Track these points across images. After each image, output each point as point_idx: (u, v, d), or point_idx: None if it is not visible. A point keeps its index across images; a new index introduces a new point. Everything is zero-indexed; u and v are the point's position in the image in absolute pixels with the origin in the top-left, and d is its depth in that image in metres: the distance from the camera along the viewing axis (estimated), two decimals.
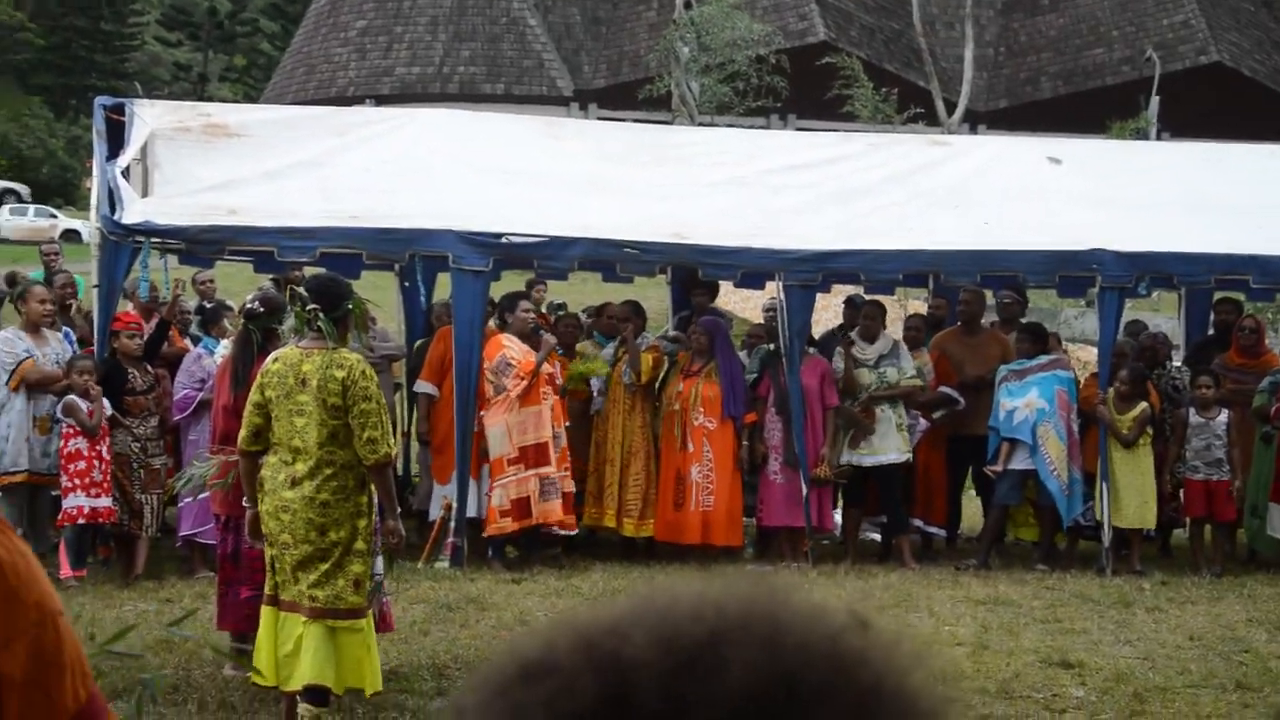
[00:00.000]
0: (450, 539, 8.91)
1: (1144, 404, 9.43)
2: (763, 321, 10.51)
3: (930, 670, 0.75)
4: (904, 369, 9.50)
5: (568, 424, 9.10)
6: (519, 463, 8.70)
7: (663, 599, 0.76)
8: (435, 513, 9.12)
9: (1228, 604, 8.16)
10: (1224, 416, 9.42)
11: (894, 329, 10.47)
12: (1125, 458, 9.38)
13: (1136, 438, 9.38)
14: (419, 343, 10.02)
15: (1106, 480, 9.35)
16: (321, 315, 5.19)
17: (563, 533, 8.89)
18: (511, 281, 12.11)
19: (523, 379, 8.73)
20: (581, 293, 13.97)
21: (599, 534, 9.69)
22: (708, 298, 10.29)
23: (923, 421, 9.83)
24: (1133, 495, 9.34)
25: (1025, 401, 9.36)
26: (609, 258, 9.66)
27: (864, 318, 9.67)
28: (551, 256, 9.41)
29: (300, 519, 5.15)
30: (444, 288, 10.01)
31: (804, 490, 9.33)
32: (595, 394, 9.67)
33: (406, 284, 10.28)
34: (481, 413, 8.88)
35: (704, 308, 10.15)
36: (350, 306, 5.28)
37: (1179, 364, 10.45)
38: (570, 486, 8.95)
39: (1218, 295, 10.74)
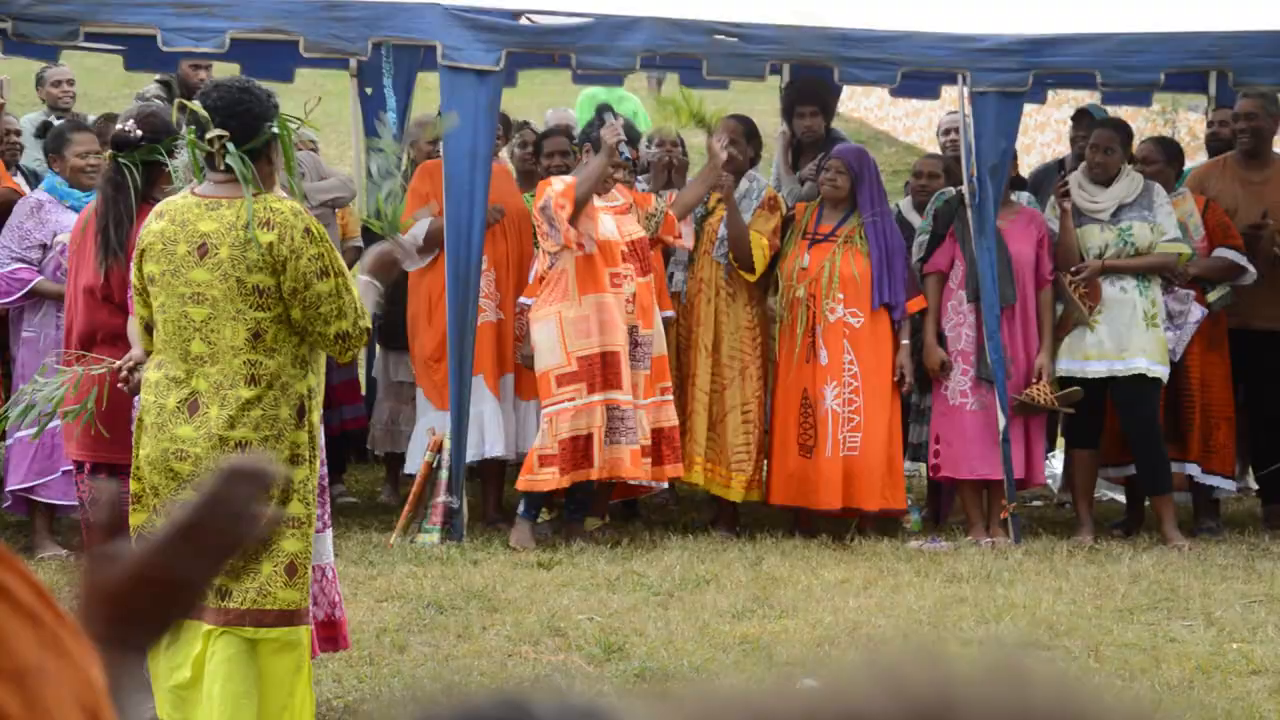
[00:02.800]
0: (441, 498, 9.10)
1: None
2: (938, 153, 10.64)
3: None
4: (1160, 226, 9.52)
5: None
6: (575, 380, 8.87)
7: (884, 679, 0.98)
8: (415, 461, 9.29)
9: None
10: None
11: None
12: None
13: None
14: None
15: None
16: (230, 146, 5.28)
17: (653, 485, 9.24)
18: (532, 90, 11.94)
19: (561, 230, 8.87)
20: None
21: (676, 491, 9.94)
22: (820, 119, 10.25)
23: (1196, 309, 9.73)
24: None
25: None
26: (689, 49, 9.70)
27: (1093, 146, 9.68)
28: (598, 48, 9.51)
29: (204, 470, 5.19)
30: (429, 96, 10.06)
31: (1002, 422, 9.36)
32: (674, 267, 9.54)
33: (368, 90, 10.34)
34: (523, 299, 9.27)
35: (817, 137, 10.12)
36: (275, 130, 5.36)
37: None
38: (671, 419, 9.19)
39: None
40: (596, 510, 9.29)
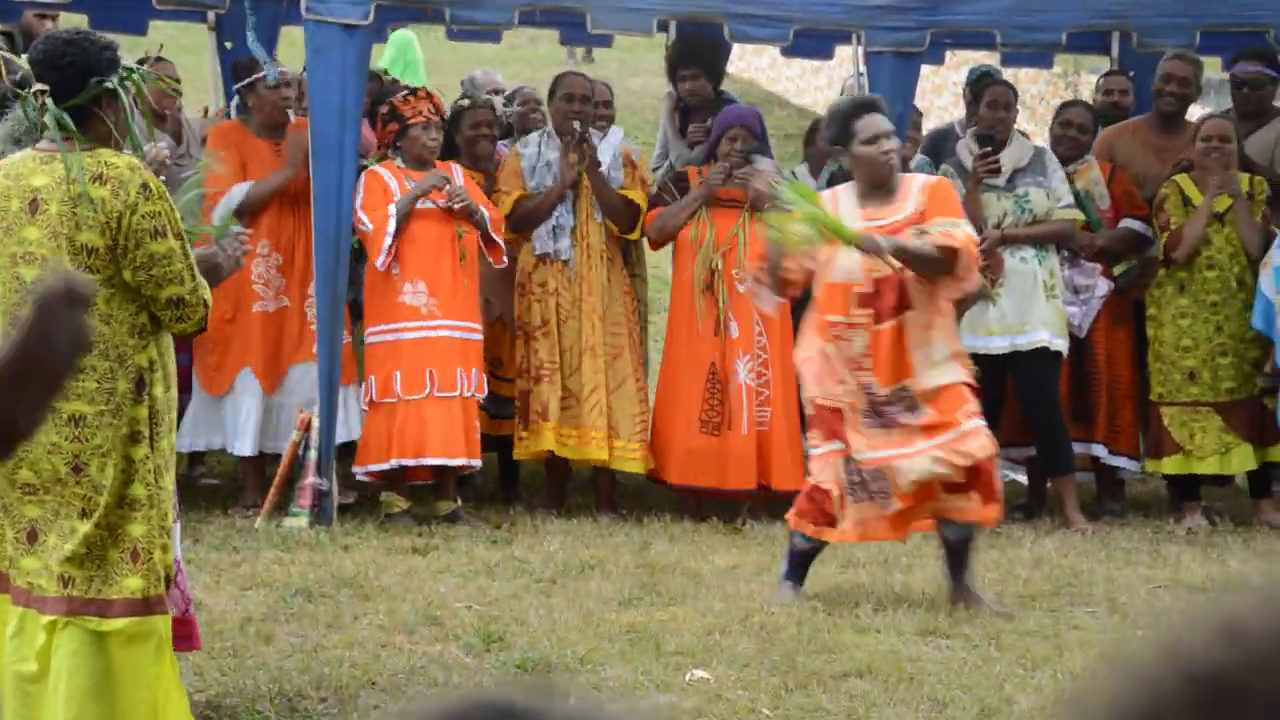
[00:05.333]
0: (310, 479, 9.05)
1: None
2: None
3: None
4: (1055, 191, 9.57)
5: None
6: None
7: None
8: (242, 443, 9.36)
9: None
10: None
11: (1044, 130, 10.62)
12: None
13: None
14: None
15: None
16: (48, 101, 5.21)
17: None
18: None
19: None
20: (530, 65, 13.68)
21: (573, 466, 9.84)
22: (705, 82, 10.13)
23: (1102, 284, 9.82)
24: None
25: None
26: (571, 3, 9.71)
27: (991, 104, 9.76)
28: (473, 1, 9.51)
29: (38, 447, 5.20)
30: (294, 52, 10.01)
31: None
32: (545, 235, 9.54)
33: (228, 44, 10.26)
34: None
35: (705, 100, 10.03)
36: (107, 86, 5.26)
37: None
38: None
39: None
40: (446, 493, 9.24)
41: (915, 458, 7.33)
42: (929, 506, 7.47)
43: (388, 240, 8.96)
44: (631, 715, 1.10)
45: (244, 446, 9.23)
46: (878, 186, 7.51)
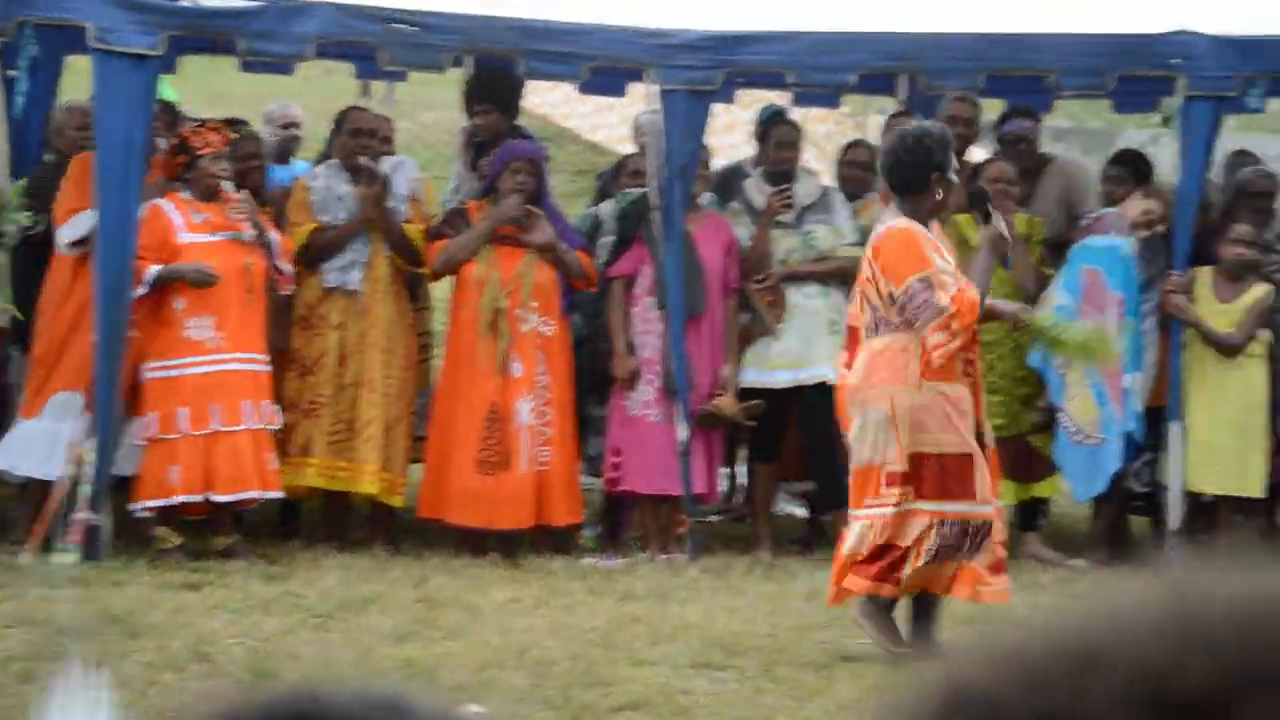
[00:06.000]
0: (82, 514, 8.91)
1: (1265, 287, 9.62)
2: (632, 151, 10.58)
3: None
4: (840, 229, 9.71)
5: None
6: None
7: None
8: (54, 471, 9.11)
9: None
10: None
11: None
12: (1221, 381, 9.56)
13: (1245, 341, 9.55)
14: (25, 180, 9.71)
15: (1180, 418, 9.56)
16: None
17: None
18: (197, 75, 11.74)
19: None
20: (325, 98, 13.60)
21: (351, 501, 9.78)
22: (499, 117, 10.14)
23: None
24: (1228, 443, 9.53)
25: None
26: (365, 37, 9.71)
27: (775, 146, 9.88)
28: (268, 33, 9.48)
29: None
30: (78, 81, 9.95)
31: (683, 435, 9.46)
32: (337, 268, 9.53)
33: (9, 73, 10.06)
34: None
35: (499, 134, 10.04)
36: None
37: None
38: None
39: None
40: (222, 527, 9.19)
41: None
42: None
43: (148, 278, 8.95)
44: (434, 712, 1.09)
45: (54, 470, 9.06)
46: None
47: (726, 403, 9.49)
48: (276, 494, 9.17)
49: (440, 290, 10.20)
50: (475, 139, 10.34)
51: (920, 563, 7.14)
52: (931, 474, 7.15)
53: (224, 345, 9.01)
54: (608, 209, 10.15)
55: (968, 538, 7.19)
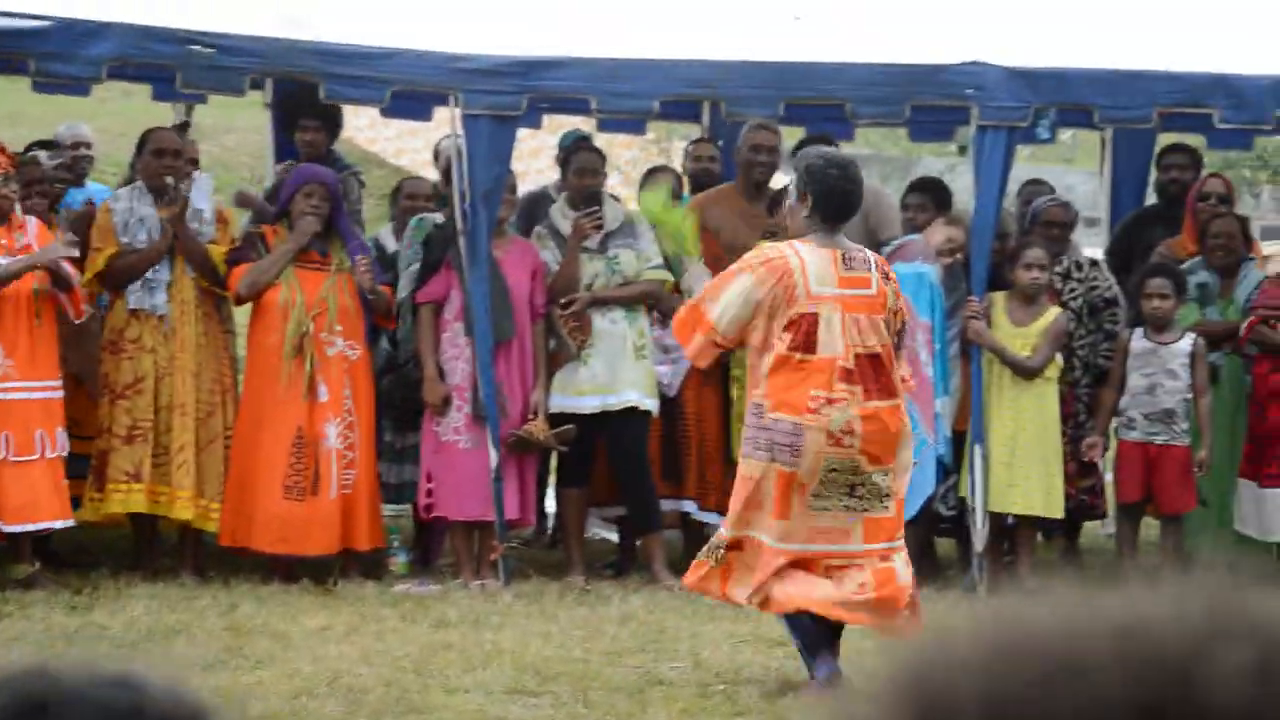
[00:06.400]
0: None
1: (1058, 310, 9.78)
2: (435, 176, 10.68)
3: None
4: (645, 253, 9.78)
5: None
6: None
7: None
8: None
9: None
10: (1186, 342, 9.74)
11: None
12: (1017, 403, 9.70)
13: (1043, 364, 9.70)
14: None
15: (981, 441, 9.70)
16: None
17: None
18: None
19: None
20: (122, 120, 13.44)
21: (161, 528, 9.69)
22: (324, 136, 10.28)
23: None
24: (1028, 465, 9.68)
25: None
26: (162, 59, 9.67)
27: (575, 173, 9.92)
28: (60, 55, 9.42)
29: None
30: None
31: (494, 460, 9.46)
32: (140, 290, 9.40)
33: None
34: None
35: (318, 153, 10.13)
36: None
37: (1096, 255, 10.83)
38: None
39: (1165, 142, 11.26)
40: (22, 556, 9.01)
41: None
42: None
43: None
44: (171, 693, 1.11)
45: None
46: None
47: (538, 427, 9.50)
48: (68, 522, 9.01)
49: (240, 315, 10.11)
50: (292, 157, 10.27)
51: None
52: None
53: (13, 374, 8.84)
54: (386, 231, 10.22)
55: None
